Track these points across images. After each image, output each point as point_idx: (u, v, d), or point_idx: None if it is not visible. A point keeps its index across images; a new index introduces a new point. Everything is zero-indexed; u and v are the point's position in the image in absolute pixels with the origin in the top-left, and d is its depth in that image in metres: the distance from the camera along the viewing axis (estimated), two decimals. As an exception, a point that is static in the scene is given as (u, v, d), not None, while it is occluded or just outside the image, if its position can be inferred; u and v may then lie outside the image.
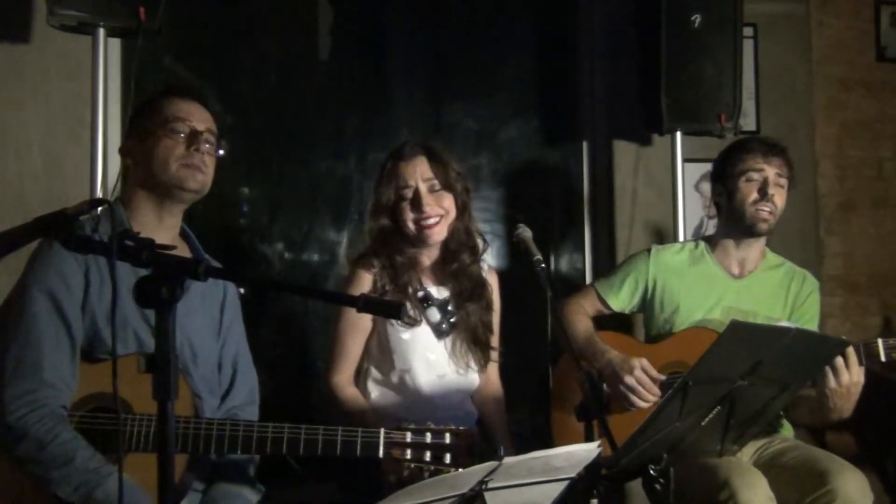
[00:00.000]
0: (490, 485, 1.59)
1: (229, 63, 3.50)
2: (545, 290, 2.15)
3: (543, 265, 2.21)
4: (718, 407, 1.96)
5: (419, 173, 2.47)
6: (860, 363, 2.41)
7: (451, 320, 2.52)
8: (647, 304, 2.84)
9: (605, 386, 2.60)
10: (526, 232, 2.31)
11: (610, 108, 3.74)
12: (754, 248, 2.82)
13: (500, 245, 3.67)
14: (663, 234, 3.66)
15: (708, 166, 2.95)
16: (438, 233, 2.49)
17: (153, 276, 1.47)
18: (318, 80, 3.66)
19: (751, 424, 2.15)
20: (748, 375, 1.91)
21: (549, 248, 3.80)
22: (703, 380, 1.86)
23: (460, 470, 1.90)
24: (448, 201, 2.49)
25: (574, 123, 3.84)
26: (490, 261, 2.69)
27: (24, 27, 2.96)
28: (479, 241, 2.61)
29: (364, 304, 1.59)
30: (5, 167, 2.97)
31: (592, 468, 1.79)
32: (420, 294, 2.50)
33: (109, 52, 2.81)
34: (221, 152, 2.14)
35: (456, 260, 2.54)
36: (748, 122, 3.76)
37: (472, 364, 2.55)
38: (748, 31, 3.65)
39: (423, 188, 2.46)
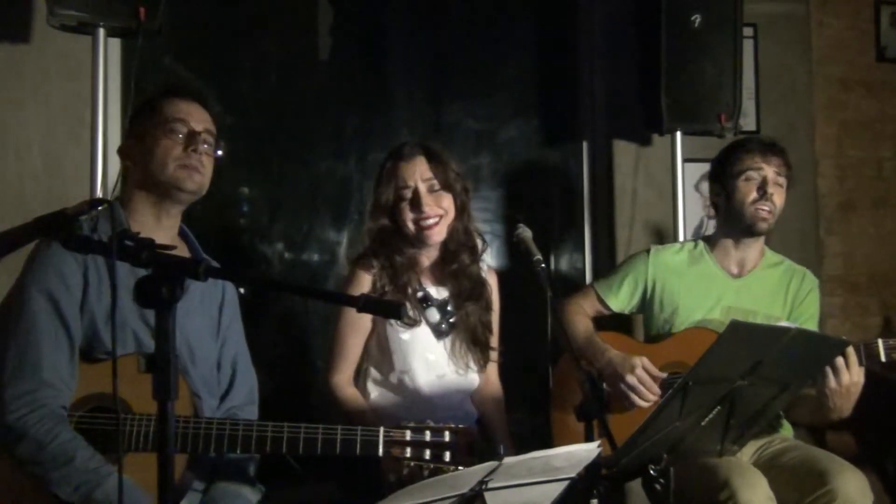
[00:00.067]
0: (490, 485, 1.59)
1: (229, 63, 3.50)
2: (545, 290, 2.15)
3: (543, 265, 2.21)
4: (718, 407, 1.96)
5: (418, 173, 2.47)
6: (860, 363, 2.41)
7: (451, 321, 2.52)
8: (646, 304, 2.84)
9: (605, 385, 2.60)
10: (526, 232, 2.31)
11: (610, 108, 3.74)
12: (753, 248, 2.82)
13: (499, 245, 3.68)
14: (663, 234, 3.66)
15: (708, 166, 2.95)
16: (438, 233, 2.49)
17: (153, 276, 1.47)
18: (318, 80, 3.66)
19: (751, 424, 2.15)
20: (748, 375, 1.91)
21: (549, 248, 3.80)
22: (703, 380, 1.86)
23: (460, 468, 1.91)
24: (447, 201, 2.49)
25: (574, 123, 3.84)
26: (489, 261, 2.69)
27: (24, 27, 2.96)
28: (479, 242, 2.61)
29: (364, 303, 1.59)
30: (5, 167, 2.97)
31: (592, 468, 1.79)
32: (419, 294, 2.50)
33: (109, 52, 2.81)
34: (220, 153, 2.13)
35: (455, 260, 2.54)
36: (748, 122, 3.76)
37: (472, 364, 2.55)
38: (748, 31, 3.65)
39: (422, 188, 2.46)
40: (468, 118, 3.76)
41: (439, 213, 2.47)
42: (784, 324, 2.66)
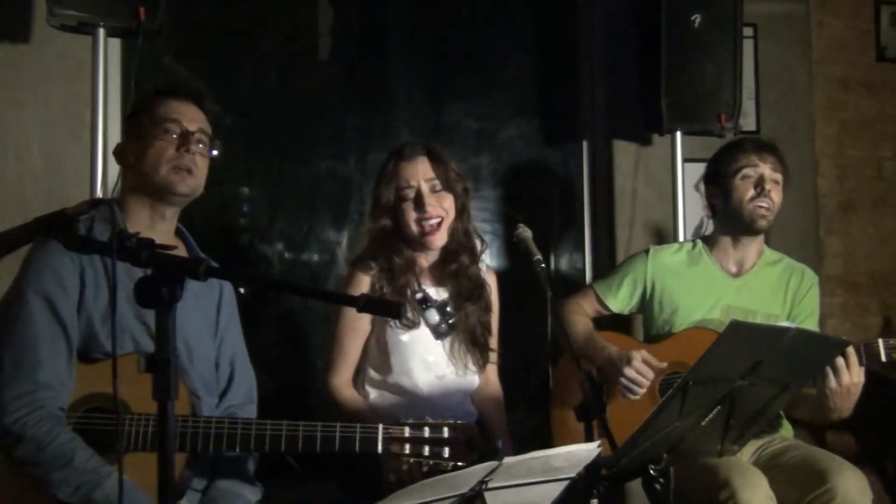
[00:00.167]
0: (490, 485, 1.59)
1: (229, 63, 3.50)
2: (545, 290, 2.15)
3: (543, 265, 2.21)
4: (718, 407, 1.96)
5: (421, 173, 2.46)
6: (860, 363, 2.41)
7: (450, 321, 2.51)
8: (645, 304, 2.85)
9: (605, 382, 2.60)
10: (526, 232, 2.31)
11: (610, 108, 3.74)
12: (752, 247, 2.82)
13: (499, 245, 3.68)
14: (663, 234, 3.66)
15: (709, 166, 2.95)
16: (439, 239, 2.48)
17: (153, 276, 1.46)
18: (318, 80, 3.66)
19: (751, 424, 2.15)
20: (748, 375, 1.91)
21: (549, 248, 3.80)
22: (703, 380, 1.86)
23: (459, 464, 1.91)
24: (448, 202, 2.49)
25: (574, 123, 3.84)
26: (488, 261, 2.69)
27: (24, 27, 2.96)
28: (478, 242, 2.60)
29: (364, 303, 1.59)
30: (5, 167, 2.97)
31: (592, 468, 1.79)
32: (419, 296, 2.50)
33: (109, 52, 2.81)
34: (215, 152, 2.12)
35: (455, 261, 2.54)
36: (748, 122, 3.76)
37: (471, 365, 2.54)
38: (748, 31, 3.65)
39: (424, 188, 2.46)
40: (468, 118, 3.76)
41: (441, 214, 2.47)
42: (784, 324, 2.66)
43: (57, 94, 3.01)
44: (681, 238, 3.42)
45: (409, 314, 2.45)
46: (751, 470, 2.41)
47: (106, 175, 2.75)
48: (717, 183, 2.80)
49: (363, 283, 2.46)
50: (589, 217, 3.81)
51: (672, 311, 2.78)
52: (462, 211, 2.54)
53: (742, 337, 1.89)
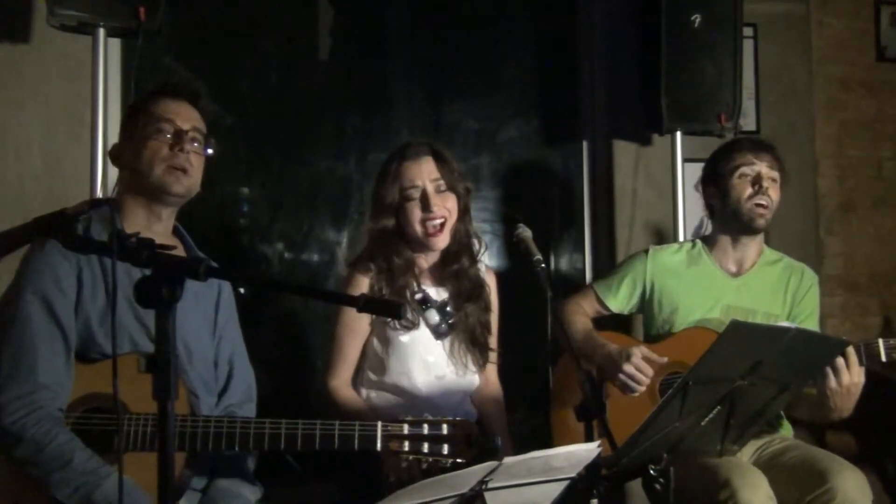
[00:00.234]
0: (490, 485, 1.59)
1: (229, 63, 3.50)
2: (545, 290, 2.15)
3: (543, 265, 2.21)
4: (718, 407, 1.96)
5: (426, 173, 2.46)
6: (861, 363, 2.41)
7: (450, 322, 2.51)
8: (645, 304, 2.85)
9: (605, 380, 2.60)
10: (526, 232, 2.31)
11: (610, 108, 3.74)
12: (751, 247, 2.82)
13: (499, 245, 3.68)
14: (663, 234, 3.66)
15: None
16: (442, 241, 2.48)
17: (153, 276, 1.46)
18: (318, 80, 3.66)
19: (751, 424, 2.15)
20: (748, 375, 1.91)
21: (549, 248, 3.80)
22: (703, 380, 1.86)
23: (459, 461, 1.91)
24: (452, 202, 2.49)
25: (574, 123, 3.84)
26: (487, 261, 2.69)
27: (24, 27, 2.96)
28: (478, 243, 2.61)
29: (364, 303, 1.59)
30: (5, 167, 2.98)
31: (592, 468, 1.79)
32: (418, 296, 2.50)
33: (109, 52, 2.81)
34: (210, 151, 2.11)
35: (456, 262, 2.54)
36: (748, 122, 3.76)
37: (471, 365, 2.54)
38: (748, 31, 3.65)
39: (430, 188, 2.46)
40: (468, 118, 3.76)
41: (445, 214, 2.46)
42: (784, 324, 2.66)
43: (57, 94, 3.01)
44: (681, 238, 3.42)
45: (409, 315, 2.44)
46: (751, 470, 2.41)
47: (106, 175, 2.75)
48: (715, 183, 2.81)
49: (362, 284, 2.46)
50: (589, 217, 3.81)
51: (672, 310, 2.78)
52: (464, 212, 2.54)
53: (742, 337, 1.89)
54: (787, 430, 2.78)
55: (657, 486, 1.90)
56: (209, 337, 2.17)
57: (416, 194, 2.45)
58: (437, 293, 2.53)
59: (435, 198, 2.45)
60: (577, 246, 3.85)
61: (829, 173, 4.08)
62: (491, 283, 2.65)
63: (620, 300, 2.85)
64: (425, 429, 1.97)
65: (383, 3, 3.75)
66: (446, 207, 2.47)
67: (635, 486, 2.06)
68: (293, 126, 3.57)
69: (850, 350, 2.39)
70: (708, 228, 3.20)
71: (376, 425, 1.97)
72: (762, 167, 2.73)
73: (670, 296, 2.79)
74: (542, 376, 2.84)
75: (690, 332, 2.72)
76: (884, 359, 2.47)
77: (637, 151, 3.72)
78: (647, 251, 2.88)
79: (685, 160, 3.45)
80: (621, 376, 2.56)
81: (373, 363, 2.51)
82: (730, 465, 2.36)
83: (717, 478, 2.33)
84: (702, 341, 2.20)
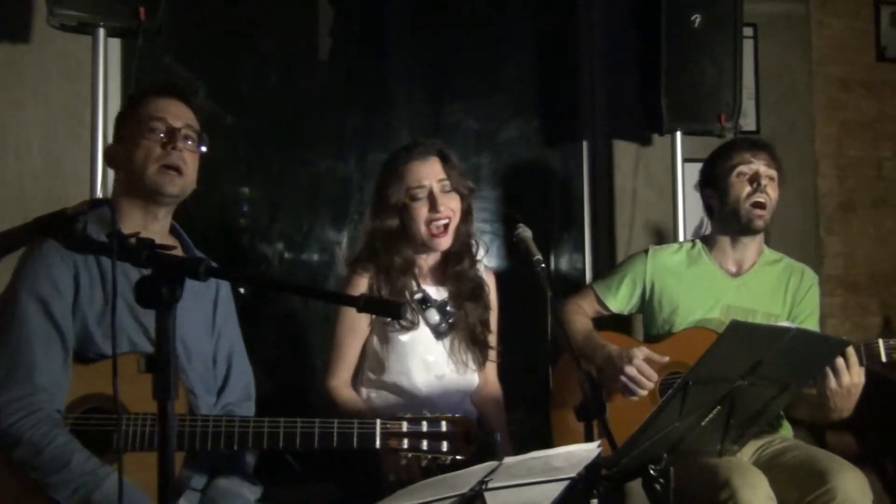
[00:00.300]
0: (490, 485, 1.59)
1: (229, 63, 3.50)
2: (545, 290, 2.15)
3: (543, 265, 2.21)
4: (718, 407, 1.96)
5: (433, 174, 2.46)
6: (861, 363, 2.41)
7: (450, 321, 2.51)
8: (645, 304, 2.84)
9: (605, 381, 2.60)
10: (526, 232, 2.31)
11: (610, 108, 3.74)
12: (751, 247, 2.82)
13: (499, 245, 3.68)
14: (663, 234, 3.66)
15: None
16: (446, 242, 2.48)
17: (153, 276, 1.46)
18: (318, 80, 3.66)
19: (751, 424, 2.15)
20: (748, 375, 1.91)
21: (549, 248, 3.80)
22: (703, 380, 1.86)
23: (458, 457, 1.91)
24: (456, 202, 2.49)
25: (574, 123, 3.84)
26: (485, 261, 2.69)
27: (24, 27, 2.96)
28: (478, 244, 2.61)
29: (364, 303, 1.59)
30: (5, 167, 2.97)
31: (592, 468, 1.79)
32: (418, 296, 2.50)
33: (109, 52, 2.81)
34: (203, 148, 2.09)
35: (458, 263, 2.54)
36: (748, 122, 3.76)
37: (471, 363, 2.54)
38: (748, 31, 3.65)
39: (436, 188, 2.46)
40: (468, 118, 3.76)
41: (450, 214, 2.46)
42: (784, 324, 2.65)
43: (57, 94, 3.01)
44: (681, 238, 3.42)
45: (409, 314, 2.44)
46: (751, 470, 2.41)
47: (106, 175, 2.75)
48: (713, 184, 2.81)
49: (362, 284, 2.46)
50: (589, 217, 3.81)
51: (672, 310, 2.78)
52: (467, 213, 2.54)
53: (742, 337, 1.89)
54: (787, 430, 2.78)
55: (657, 486, 1.89)
56: (207, 335, 2.17)
57: (423, 194, 2.45)
58: (437, 293, 2.53)
59: (441, 197, 2.45)
60: (577, 246, 3.85)
61: (829, 173, 4.08)
62: (490, 282, 2.65)
63: (620, 300, 2.85)
64: (424, 426, 1.97)
65: (383, 3, 3.75)
66: (451, 208, 2.47)
67: (635, 486, 2.06)
68: (293, 126, 3.57)
69: (850, 350, 2.39)
70: (708, 228, 3.20)
71: (375, 423, 1.97)
72: (760, 165, 2.74)
73: (670, 296, 2.79)
74: (542, 376, 2.83)
75: (690, 332, 2.71)
76: (884, 359, 2.47)
77: (637, 151, 3.72)
78: (646, 251, 2.88)
79: (685, 160, 3.45)
80: (623, 378, 2.55)
81: (372, 363, 2.51)
82: (730, 465, 2.36)
83: (717, 478, 2.33)
84: (702, 341, 2.20)
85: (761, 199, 2.71)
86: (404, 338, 2.46)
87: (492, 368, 2.65)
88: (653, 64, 3.35)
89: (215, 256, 2.20)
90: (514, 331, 2.77)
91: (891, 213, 4.19)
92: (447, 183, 2.47)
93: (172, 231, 2.17)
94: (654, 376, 2.55)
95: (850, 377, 2.38)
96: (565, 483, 1.73)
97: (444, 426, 1.97)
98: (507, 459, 1.57)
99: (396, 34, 3.77)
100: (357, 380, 2.54)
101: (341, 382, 2.49)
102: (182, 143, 2.04)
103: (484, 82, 3.79)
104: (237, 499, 2.05)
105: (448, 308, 2.52)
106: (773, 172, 2.76)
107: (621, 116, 3.69)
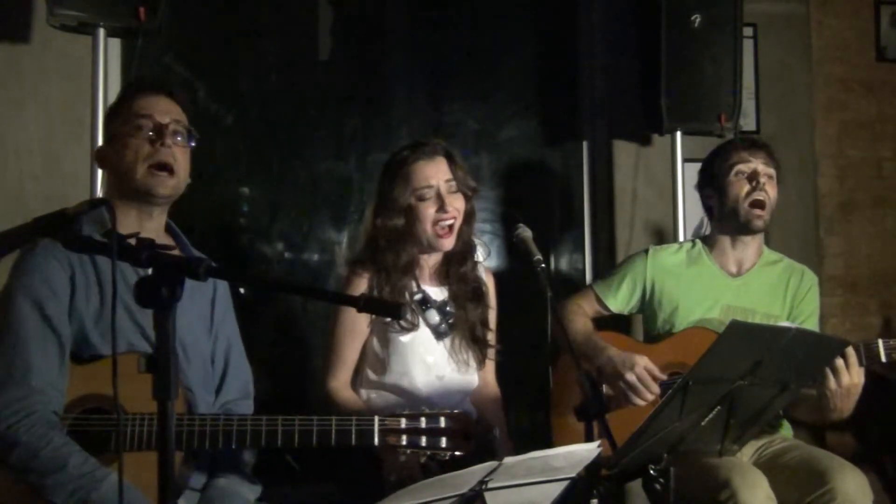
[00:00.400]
0: (490, 485, 1.59)
1: (229, 63, 3.50)
2: (545, 291, 2.15)
3: (543, 265, 2.21)
4: (718, 407, 1.96)
5: (441, 174, 2.46)
6: (860, 364, 2.41)
7: (450, 321, 2.51)
8: (645, 304, 2.84)
9: (604, 383, 2.60)
10: (526, 232, 2.31)
11: (610, 108, 3.74)
12: (751, 247, 2.82)
13: (499, 245, 3.68)
14: (663, 234, 3.66)
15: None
16: (450, 242, 2.48)
17: (153, 276, 1.46)
18: (318, 80, 3.66)
19: (751, 424, 2.15)
20: (748, 375, 1.91)
21: (549, 248, 3.80)
22: (703, 380, 1.86)
23: (457, 453, 1.90)
24: (460, 203, 2.49)
25: (574, 123, 3.84)
26: (485, 262, 2.69)
27: (24, 27, 2.96)
28: (477, 244, 2.61)
29: (364, 303, 1.58)
30: (5, 167, 2.98)
31: (592, 468, 1.79)
32: (418, 297, 2.49)
33: (109, 52, 2.81)
34: (193, 143, 2.06)
35: (460, 264, 2.54)
36: (748, 122, 3.75)
37: (472, 362, 2.54)
38: (748, 31, 3.65)
39: (443, 188, 2.45)
40: (468, 118, 3.76)
41: (455, 215, 2.46)
42: (784, 324, 2.65)
43: (57, 94, 3.01)
44: (681, 238, 3.42)
45: (409, 316, 2.44)
46: (751, 470, 2.41)
47: (105, 175, 2.75)
48: (712, 184, 2.82)
49: (361, 285, 2.45)
50: (589, 217, 3.81)
51: (672, 310, 2.78)
52: (470, 214, 2.54)
53: (742, 337, 1.89)
54: (787, 430, 2.78)
55: (657, 486, 1.90)
56: (206, 334, 2.16)
57: (431, 194, 2.44)
58: (437, 293, 2.53)
59: (448, 197, 2.45)
60: (577, 246, 3.85)
61: (829, 173, 4.08)
62: (489, 282, 2.65)
63: (620, 300, 2.85)
64: (422, 422, 1.96)
65: (383, 3, 3.75)
66: (457, 208, 2.47)
67: (635, 486, 2.06)
68: (293, 126, 3.57)
69: (850, 351, 2.39)
70: (708, 228, 3.21)
71: (373, 419, 1.96)
72: (758, 164, 2.74)
73: (670, 296, 2.79)
74: (542, 376, 2.83)
75: (690, 332, 2.71)
76: (884, 359, 2.47)
77: (637, 151, 3.72)
78: (646, 251, 2.88)
79: (685, 160, 3.45)
80: (622, 384, 2.55)
81: (373, 363, 2.51)
82: (730, 465, 2.36)
83: (717, 478, 2.33)
84: (702, 341, 2.20)
85: (760, 198, 2.71)
86: (405, 339, 2.46)
87: (490, 369, 2.65)
88: (653, 64, 3.35)
89: (215, 256, 2.19)
90: (513, 331, 2.77)
91: (891, 213, 4.19)
92: (454, 183, 2.47)
93: (168, 229, 2.16)
94: (655, 388, 2.54)
95: (849, 377, 2.38)
96: (565, 483, 1.73)
97: (442, 422, 1.96)
98: (507, 459, 1.57)
99: (396, 34, 3.77)
100: (357, 381, 2.53)
101: (341, 383, 2.49)
102: (171, 139, 2.01)
103: (484, 82, 3.79)
104: (236, 498, 2.04)
105: (448, 308, 2.52)
106: (772, 171, 2.76)
107: (621, 116, 3.69)
